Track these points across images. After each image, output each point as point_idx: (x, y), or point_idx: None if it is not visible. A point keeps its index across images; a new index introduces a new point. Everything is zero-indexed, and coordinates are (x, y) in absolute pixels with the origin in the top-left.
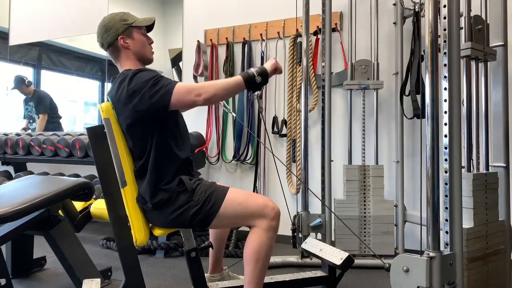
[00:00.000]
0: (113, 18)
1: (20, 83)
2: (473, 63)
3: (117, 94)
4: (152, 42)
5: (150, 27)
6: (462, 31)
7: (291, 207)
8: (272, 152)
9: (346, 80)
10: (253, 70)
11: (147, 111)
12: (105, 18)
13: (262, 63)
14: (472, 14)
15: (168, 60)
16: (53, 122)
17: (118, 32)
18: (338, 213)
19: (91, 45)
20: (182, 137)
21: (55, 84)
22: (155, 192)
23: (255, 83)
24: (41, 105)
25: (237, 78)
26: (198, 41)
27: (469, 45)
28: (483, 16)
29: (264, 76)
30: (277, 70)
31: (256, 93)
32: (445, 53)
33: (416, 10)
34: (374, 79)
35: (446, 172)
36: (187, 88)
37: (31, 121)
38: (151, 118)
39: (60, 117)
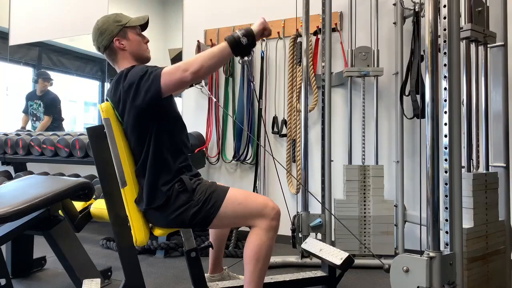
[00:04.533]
0: (107, 21)
1: (43, 78)
2: (473, 47)
3: (116, 94)
4: (147, 41)
5: (144, 26)
6: (462, 13)
7: (291, 207)
8: (272, 155)
9: (345, 68)
10: (238, 32)
11: (143, 102)
12: (98, 21)
13: (262, 63)
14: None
15: (168, 60)
16: (54, 122)
17: (113, 34)
18: (338, 213)
19: (91, 45)
20: (181, 135)
21: (55, 84)
22: (153, 194)
23: (242, 45)
24: (52, 107)
25: (222, 43)
26: (198, 41)
27: (469, 27)
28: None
29: (250, 37)
30: (265, 30)
31: (245, 58)
32: (445, 53)
33: (416, 10)
34: (374, 66)
35: (446, 172)
36: (173, 68)
37: (34, 119)
38: (149, 112)
39: (62, 119)
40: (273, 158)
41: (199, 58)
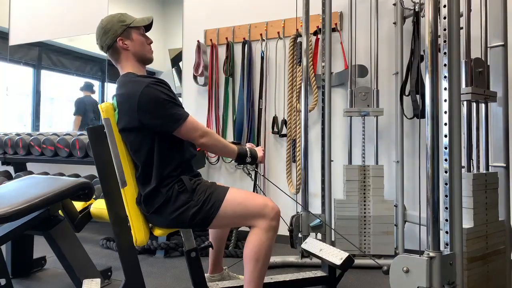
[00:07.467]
0: (111, 20)
1: (91, 88)
2: (473, 105)
3: (123, 98)
4: (151, 42)
5: (148, 27)
6: (463, 75)
7: (291, 207)
8: (269, 179)
9: (345, 108)
10: (248, 150)
11: (151, 126)
12: (103, 20)
13: (262, 63)
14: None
15: (168, 60)
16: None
17: (117, 34)
18: (338, 213)
19: (91, 45)
20: (186, 143)
21: (55, 84)
22: (153, 197)
23: (244, 161)
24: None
25: (234, 148)
26: (198, 41)
27: (469, 90)
28: (483, 16)
29: (254, 159)
30: (262, 163)
31: (241, 165)
32: (445, 53)
33: (416, 10)
34: (374, 106)
35: (446, 172)
36: (195, 126)
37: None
38: (151, 130)
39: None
40: (273, 184)
41: (216, 140)
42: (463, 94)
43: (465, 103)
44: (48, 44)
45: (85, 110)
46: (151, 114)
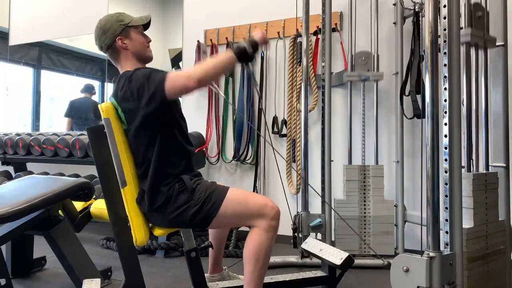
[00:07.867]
0: (110, 20)
1: (90, 90)
2: (472, 51)
3: (121, 96)
4: (150, 41)
5: (146, 26)
6: (462, 18)
7: (291, 207)
8: (272, 145)
9: (346, 73)
10: (244, 41)
11: (149, 105)
12: (101, 20)
13: (262, 63)
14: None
15: (168, 60)
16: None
17: (116, 33)
18: (338, 213)
19: (91, 45)
20: (184, 138)
21: (55, 84)
22: (154, 195)
23: (247, 54)
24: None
25: (229, 54)
26: (198, 41)
27: (468, 31)
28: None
29: (255, 46)
30: (266, 42)
31: (249, 64)
32: (445, 53)
33: (416, 10)
34: (374, 71)
35: (446, 172)
36: (177, 74)
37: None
38: (155, 116)
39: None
40: (273, 148)
41: (203, 66)
42: (462, 35)
43: (463, 49)
44: (48, 44)
45: (76, 112)
46: (142, 91)
